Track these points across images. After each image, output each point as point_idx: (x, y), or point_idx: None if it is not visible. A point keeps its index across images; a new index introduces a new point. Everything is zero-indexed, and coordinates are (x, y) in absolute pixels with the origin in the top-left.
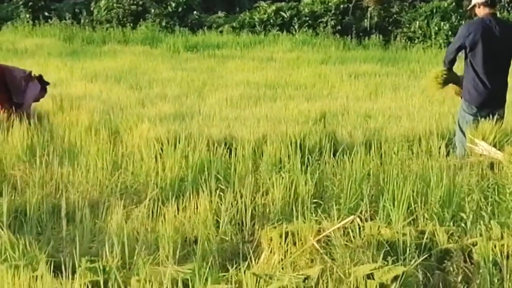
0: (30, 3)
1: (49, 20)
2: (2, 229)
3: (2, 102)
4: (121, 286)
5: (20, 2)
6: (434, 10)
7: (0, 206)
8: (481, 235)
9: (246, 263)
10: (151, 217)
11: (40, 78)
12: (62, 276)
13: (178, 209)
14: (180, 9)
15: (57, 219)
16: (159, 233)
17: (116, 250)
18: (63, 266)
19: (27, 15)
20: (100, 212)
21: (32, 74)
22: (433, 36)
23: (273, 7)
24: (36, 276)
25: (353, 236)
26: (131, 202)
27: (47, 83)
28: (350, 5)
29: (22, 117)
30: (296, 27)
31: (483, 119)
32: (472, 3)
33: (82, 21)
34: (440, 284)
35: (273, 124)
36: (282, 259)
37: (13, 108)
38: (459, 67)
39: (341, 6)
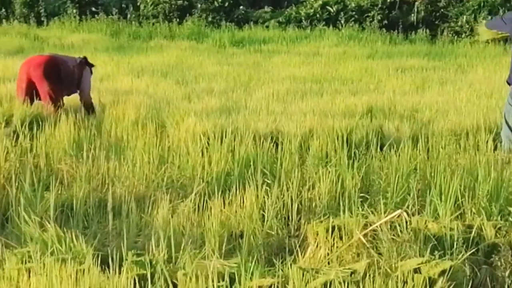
0: None
1: (95, 15)
2: (49, 223)
3: (53, 95)
4: (168, 280)
5: None
6: (482, 4)
7: (47, 200)
8: None
9: (292, 257)
10: (197, 212)
11: (86, 61)
12: (108, 270)
13: (224, 204)
14: (226, 4)
15: (103, 213)
16: (205, 227)
17: (162, 244)
18: (110, 259)
19: (74, 11)
20: (146, 206)
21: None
22: None
23: (320, 2)
24: (83, 269)
25: (400, 230)
26: (177, 197)
27: (92, 65)
28: (397, 0)
29: (69, 111)
30: (342, 21)
31: None
32: None
33: (128, 16)
34: (488, 278)
35: (320, 119)
36: (328, 254)
37: (62, 101)
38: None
39: (388, 0)
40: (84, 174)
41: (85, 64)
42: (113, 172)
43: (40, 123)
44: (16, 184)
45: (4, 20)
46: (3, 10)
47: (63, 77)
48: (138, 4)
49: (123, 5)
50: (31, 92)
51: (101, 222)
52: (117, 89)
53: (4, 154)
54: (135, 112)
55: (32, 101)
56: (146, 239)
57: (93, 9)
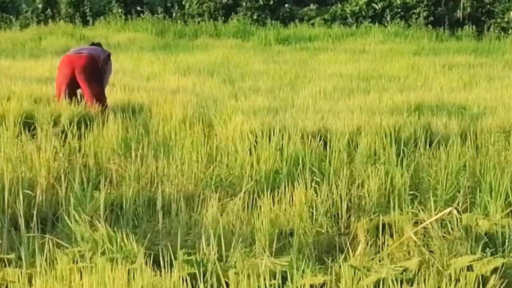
0: None
1: (141, 14)
2: (100, 222)
3: (100, 96)
4: (220, 279)
5: None
6: None
7: (97, 199)
8: None
9: (343, 255)
10: (246, 210)
11: (101, 47)
12: (160, 269)
13: (273, 202)
14: (271, 2)
15: (152, 212)
16: (255, 225)
17: (213, 243)
18: (161, 258)
19: (120, 10)
20: (196, 205)
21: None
22: None
23: None
24: (135, 269)
25: (451, 228)
26: (226, 195)
27: (109, 53)
28: None
29: (116, 111)
30: (388, 18)
31: None
32: None
33: (174, 15)
34: None
35: (367, 116)
36: (379, 251)
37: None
38: None
39: None
40: (133, 173)
41: (108, 56)
42: (162, 171)
43: (88, 122)
44: (66, 183)
45: (50, 20)
46: (49, 10)
47: (101, 74)
48: (183, 2)
49: (168, 4)
50: (73, 93)
51: (150, 221)
52: (164, 88)
53: (53, 154)
54: (183, 111)
55: (71, 101)
56: (196, 238)
57: (138, 8)
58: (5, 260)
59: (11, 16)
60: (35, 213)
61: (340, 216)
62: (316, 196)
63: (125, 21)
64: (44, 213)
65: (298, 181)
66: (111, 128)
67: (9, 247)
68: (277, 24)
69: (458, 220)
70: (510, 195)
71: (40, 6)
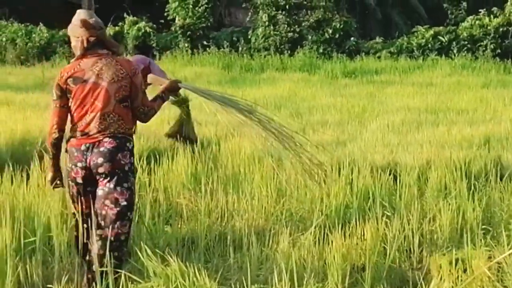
0: (189, 33)
1: (207, 48)
2: (172, 257)
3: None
4: None
5: (179, 32)
6: None
7: (168, 234)
8: None
9: None
10: (317, 245)
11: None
12: None
13: (344, 236)
14: (337, 35)
15: (224, 247)
16: (327, 260)
17: (285, 277)
18: None
19: (186, 44)
20: (266, 240)
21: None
22: None
23: (431, 32)
24: None
25: None
26: (296, 229)
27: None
28: (510, 28)
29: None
30: (454, 51)
31: None
32: None
33: (240, 49)
34: None
35: (437, 150)
36: (452, 287)
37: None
38: None
39: (500, 29)
40: (203, 208)
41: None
42: (232, 205)
43: (158, 157)
44: (137, 218)
45: None
46: None
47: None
48: (249, 36)
49: (234, 38)
50: None
51: (222, 256)
52: (232, 121)
53: None
54: (251, 145)
55: None
56: (268, 273)
57: (205, 42)
58: None
59: None
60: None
61: (412, 250)
62: (388, 231)
63: (192, 55)
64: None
65: (368, 215)
66: (181, 162)
67: (82, 282)
68: (343, 57)
69: None
70: None
71: None
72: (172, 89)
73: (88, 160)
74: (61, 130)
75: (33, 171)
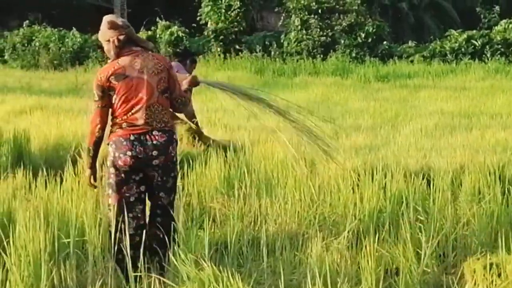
0: (221, 37)
1: (240, 53)
2: (205, 262)
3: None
4: None
5: (212, 36)
6: None
7: (201, 238)
8: None
9: None
10: (351, 249)
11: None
12: None
13: (377, 241)
14: (369, 40)
15: (257, 251)
16: (360, 265)
17: (318, 282)
18: None
19: (218, 49)
20: (300, 244)
21: None
22: None
23: (464, 36)
24: None
25: None
26: (330, 234)
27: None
28: None
29: (218, 150)
30: (488, 55)
31: None
32: None
33: (272, 53)
34: None
35: (470, 154)
36: None
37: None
38: None
39: None
40: (236, 212)
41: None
42: (265, 210)
43: (191, 161)
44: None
45: None
46: None
47: None
48: (282, 41)
49: (266, 43)
50: None
51: (255, 260)
52: (265, 126)
53: None
54: (284, 149)
55: None
56: (301, 277)
57: (237, 46)
58: None
59: None
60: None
61: (445, 255)
62: (421, 235)
63: (224, 59)
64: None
65: (402, 219)
66: (214, 167)
67: (116, 286)
68: (375, 61)
69: None
70: None
71: None
72: (194, 84)
73: (138, 150)
74: (103, 129)
75: (66, 175)
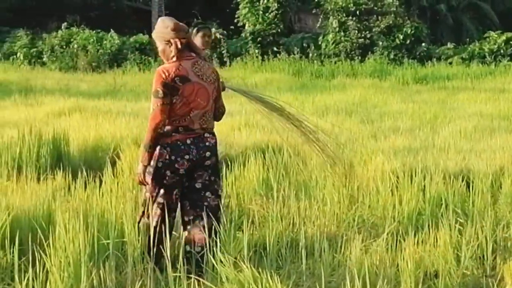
0: (259, 39)
1: (277, 55)
2: (244, 263)
3: None
4: None
5: (249, 38)
6: None
7: (240, 240)
8: None
9: None
10: (390, 251)
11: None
12: None
13: (417, 243)
14: (408, 41)
15: (295, 253)
16: (400, 267)
17: (358, 284)
18: None
19: (256, 51)
20: (338, 246)
21: None
22: None
23: (503, 37)
24: None
25: None
26: (369, 236)
27: None
28: None
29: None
30: None
31: None
32: None
33: (310, 55)
34: None
35: (510, 156)
36: None
37: None
38: None
39: None
40: (275, 214)
41: None
42: (304, 211)
43: (229, 163)
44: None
45: None
46: None
47: None
48: (320, 43)
49: (304, 45)
50: None
51: (294, 262)
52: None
53: None
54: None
55: None
56: (340, 279)
57: (275, 49)
58: None
59: (149, 58)
60: (180, 253)
61: (485, 257)
62: (461, 238)
63: (262, 61)
64: (189, 254)
65: (441, 222)
66: (252, 169)
67: None
68: (414, 63)
69: None
70: None
71: None
72: (222, 90)
73: (194, 153)
74: (165, 126)
75: (106, 177)
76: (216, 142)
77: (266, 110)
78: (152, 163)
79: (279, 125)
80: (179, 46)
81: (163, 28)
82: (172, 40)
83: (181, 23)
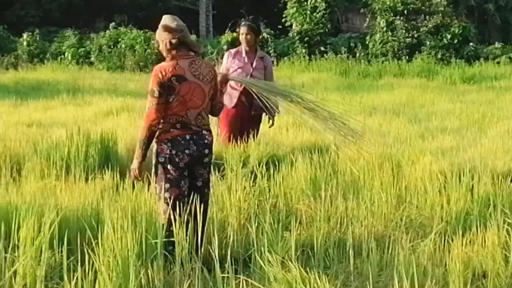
0: (306, 38)
1: (324, 54)
2: (292, 263)
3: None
4: None
5: (296, 38)
6: None
7: (288, 240)
8: None
9: None
10: (437, 251)
11: None
12: None
13: (465, 243)
14: (455, 41)
15: (343, 253)
16: (448, 267)
17: (406, 284)
18: None
19: (303, 50)
20: (386, 246)
21: None
22: None
23: None
24: None
25: None
26: (416, 236)
27: None
28: None
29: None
30: None
31: None
32: None
33: (357, 55)
34: None
35: None
36: None
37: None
38: None
39: None
40: (322, 214)
41: None
42: (351, 211)
43: (277, 163)
44: (256, 224)
45: None
46: None
47: None
48: (367, 42)
49: (351, 44)
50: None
51: (341, 262)
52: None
53: (244, 195)
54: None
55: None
56: (388, 279)
57: (322, 48)
58: None
59: None
60: (228, 253)
61: None
62: (509, 238)
63: (309, 61)
64: (236, 254)
65: (489, 222)
66: (300, 168)
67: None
68: (461, 63)
69: None
70: None
71: (225, 47)
72: (224, 81)
73: (193, 149)
74: (159, 124)
75: (153, 176)
76: (212, 140)
77: (274, 98)
78: (153, 161)
79: (290, 109)
80: (168, 47)
81: (159, 27)
82: (164, 41)
83: (176, 23)
